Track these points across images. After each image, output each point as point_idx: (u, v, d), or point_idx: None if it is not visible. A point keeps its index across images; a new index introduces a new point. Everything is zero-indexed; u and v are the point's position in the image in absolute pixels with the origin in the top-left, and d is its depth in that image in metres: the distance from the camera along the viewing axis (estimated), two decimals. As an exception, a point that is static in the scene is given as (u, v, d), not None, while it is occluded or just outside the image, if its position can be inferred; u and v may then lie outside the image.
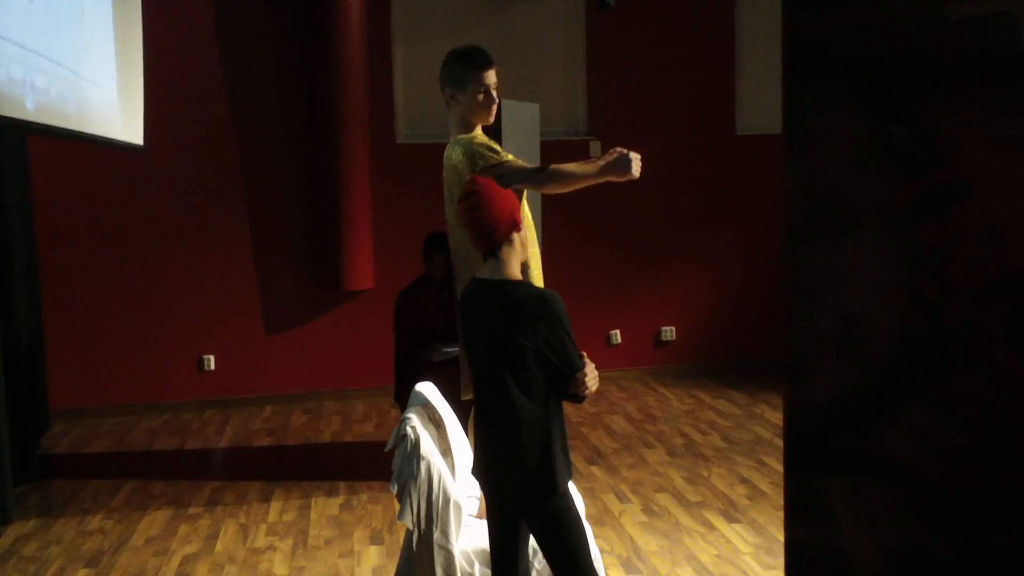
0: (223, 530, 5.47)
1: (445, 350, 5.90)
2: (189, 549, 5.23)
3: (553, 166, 4.05)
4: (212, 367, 8.06)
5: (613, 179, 4.01)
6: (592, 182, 4.05)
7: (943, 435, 1.75)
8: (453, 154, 4.20)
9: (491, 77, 4.25)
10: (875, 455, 1.80)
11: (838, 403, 1.82)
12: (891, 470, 1.79)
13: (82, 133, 5.93)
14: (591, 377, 3.18)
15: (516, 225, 3.30)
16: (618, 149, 3.97)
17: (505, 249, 3.27)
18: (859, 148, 1.79)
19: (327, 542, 5.27)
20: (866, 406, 1.80)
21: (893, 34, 1.75)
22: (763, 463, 6.28)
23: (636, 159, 3.93)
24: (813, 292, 1.83)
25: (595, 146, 8.25)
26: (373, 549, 5.16)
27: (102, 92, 6.49)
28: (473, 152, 4.09)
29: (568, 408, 3.24)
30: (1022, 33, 1.66)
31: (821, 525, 1.85)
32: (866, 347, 1.80)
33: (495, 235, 3.25)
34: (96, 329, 7.86)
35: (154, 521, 5.64)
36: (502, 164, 4.01)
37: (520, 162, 4.19)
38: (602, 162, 3.98)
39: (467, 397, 4.25)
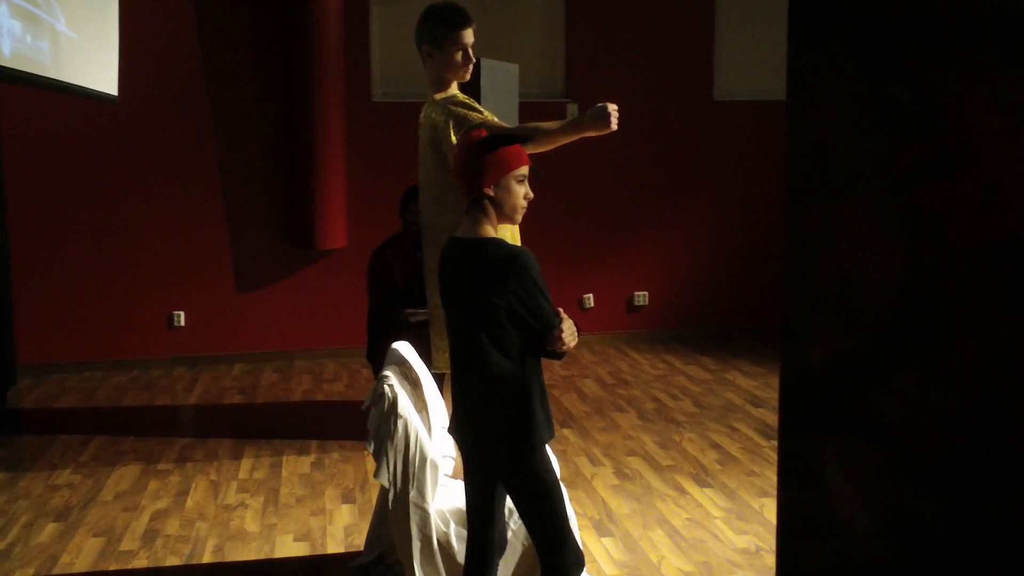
0: (194, 486, 5.44)
1: (420, 311, 5.84)
2: (159, 505, 5.20)
3: (532, 124, 4.03)
4: (182, 324, 8.00)
5: (592, 133, 3.99)
6: (572, 138, 4.04)
7: (938, 399, 1.74)
8: (434, 114, 4.17)
9: (469, 36, 4.22)
10: (869, 418, 1.80)
11: (833, 366, 1.82)
12: (884, 434, 1.79)
13: (57, 81, 5.83)
14: (568, 333, 3.14)
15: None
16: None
17: (484, 204, 3.23)
18: (862, 110, 1.77)
19: (299, 500, 5.26)
20: (861, 369, 1.80)
21: (899, -5, 1.74)
22: (734, 428, 6.31)
23: (614, 111, 3.90)
24: (812, 254, 1.82)
25: (572, 108, 8.19)
26: (345, 508, 5.15)
27: (77, 41, 6.38)
28: (457, 116, 4.07)
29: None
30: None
31: (813, 488, 1.85)
32: (863, 310, 1.79)
33: (479, 182, 3.20)
34: (65, 283, 7.77)
35: (123, 477, 5.60)
36: (484, 124, 4.00)
37: (501, 123, 4.17)
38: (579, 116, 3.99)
39: (437, 370, 4.25)
